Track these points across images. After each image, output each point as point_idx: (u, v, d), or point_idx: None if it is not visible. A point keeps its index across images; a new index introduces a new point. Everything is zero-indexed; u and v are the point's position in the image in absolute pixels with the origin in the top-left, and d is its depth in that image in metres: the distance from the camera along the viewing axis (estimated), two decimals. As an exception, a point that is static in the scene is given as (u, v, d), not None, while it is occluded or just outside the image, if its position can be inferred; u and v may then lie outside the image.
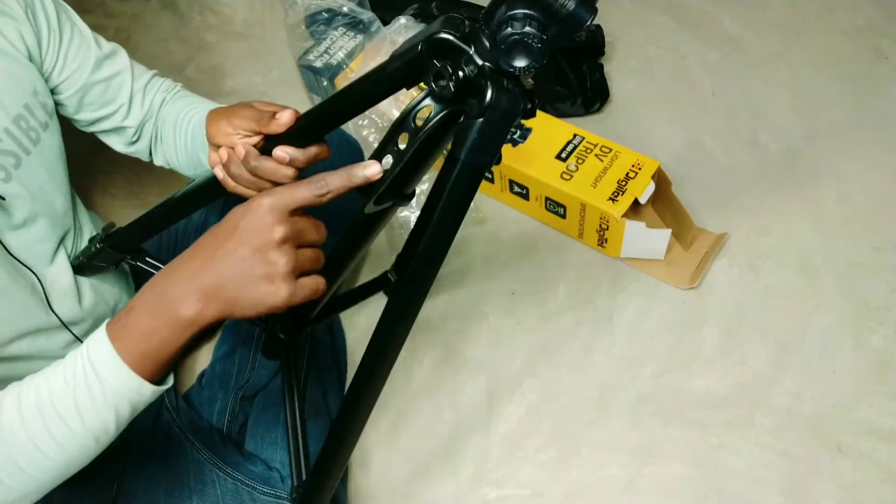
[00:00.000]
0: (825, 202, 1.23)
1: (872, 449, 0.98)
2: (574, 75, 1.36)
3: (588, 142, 1.19)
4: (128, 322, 0.52)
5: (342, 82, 1.31)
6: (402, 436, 1.04)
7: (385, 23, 1.35)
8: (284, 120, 0.66)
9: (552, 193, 1.16)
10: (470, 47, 0.46)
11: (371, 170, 0.52)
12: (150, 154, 0.89)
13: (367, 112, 1.26)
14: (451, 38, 0.46)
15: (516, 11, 0.42)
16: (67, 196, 0.82)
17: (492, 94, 0.46)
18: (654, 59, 1.47)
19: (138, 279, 0.98)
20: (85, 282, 0.84)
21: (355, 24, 1.38)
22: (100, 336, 0.53)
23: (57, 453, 0.54)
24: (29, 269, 0.75)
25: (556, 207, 1.18)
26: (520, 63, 0.44)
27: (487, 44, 0.46)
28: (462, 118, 0.49)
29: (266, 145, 0.68)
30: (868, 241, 1.17)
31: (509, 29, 0.43)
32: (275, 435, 0.91)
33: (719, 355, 1.07)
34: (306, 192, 0.50)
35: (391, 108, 1.25)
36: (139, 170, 1.23)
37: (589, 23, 0.42)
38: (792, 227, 1.20)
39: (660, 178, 1.15)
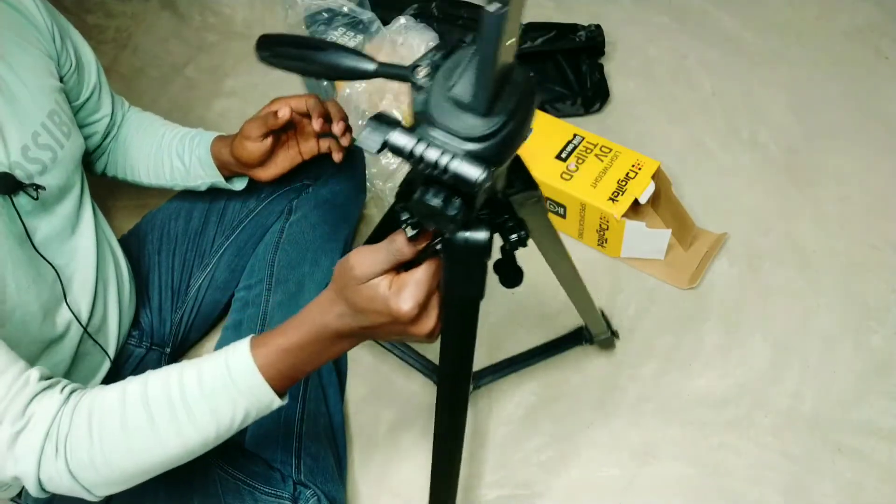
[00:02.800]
0: (825, 202, 1.23)
1: (872, 449, 0.98)
2: (574, 75, 1.36)
3: (588, 142, 1.19)
4: (272, 338, 0.59)
5: (342, 82, 1.31)
6: (403, 436, 1.04)
7: (385, 23, 1.35)
8: (282, 115, 0.80)
9: (552, 193, 1.16)
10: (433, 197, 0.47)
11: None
12: (94, 162, 0.96)
13: (365, 112, 1.26)
14: (404, 213, 0.51)
15: (425, 193, 0.45)
16: (86, 188, 0.86)
17: (444, 248, 0.52)
18: (654, 59, 1.47)
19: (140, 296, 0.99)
20: (99, 280, 0.85)
21: (355, 24, 1.38)
22: (241, 345, 0.60)
23: (171, 442, 0.60)
24: (49, 262, 0.76)
25: (556, 207, 1.18)
26: (446, 227, 0.47)
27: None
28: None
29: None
30: (868, 241, 1.17)
31: (426, 209, 0.46)
32: (275, 435, 0.91)
33: (719, 355, 1.07)
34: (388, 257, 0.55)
35: (391, 108, 1.25)
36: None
37: (477, 181, 0.42)
38: (792, 227, 1.20)
39: (660, 178, 1.15)
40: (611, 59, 1.46)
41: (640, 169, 1.14)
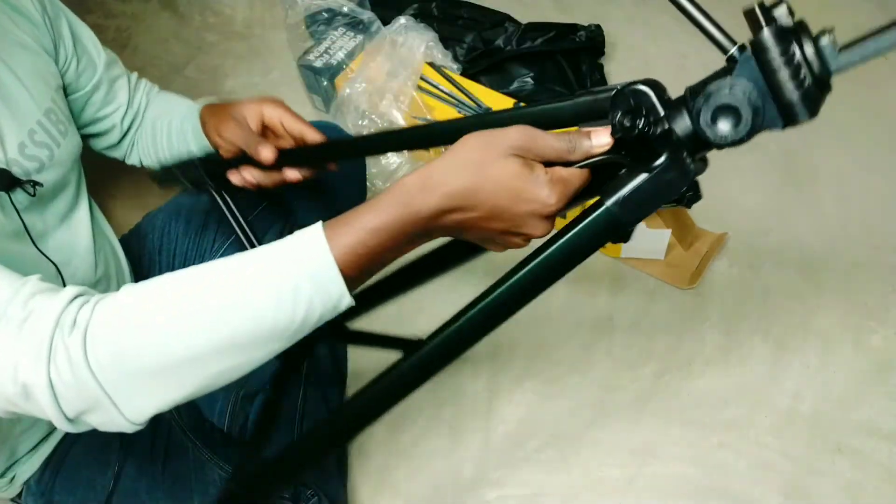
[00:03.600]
0: (825, 202, 1.23)
1: (872, 449, 0.98)
2: (574, 75, 1.36)
3: (588, 142, 1.19)
4: (350, 217, 0.49)
5: (342, 82, 1.31)
6: (403, 436, 1.04)
7: (385, 23, 1.35)
8: (264, 157, 0.71)
9: (552, 193, 1.16)
10: (664, 110, 0.47)
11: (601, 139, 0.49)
12: (126, 154, 0.92)
13: (366, 112, 1.26)
14: (650, 93, 0.47)
15: (741, 80, 0.44)
16: (84, 185, 0.84)
17: (666, 158, 0.46)
18: (654, 59, 1.47)
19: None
20: (99, 277, 0.85)
21: (355, 24, 1.38)
22: (312, 227, 0.49)
23: (219, 325, 0.48)
24: (48, 258, 0.76)
25: (556, 207, 1.18)
26: (723, 128, 0.46)
27: (686, 115, 0.47)
28: (623, 171, 0.48)
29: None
30: (868, 241, 1.17)
31: (727, 91, 0.45)
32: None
33: (719, 355, 1.07)
34: (559, 145, 0.48)
35: (391, 108, 1.25)
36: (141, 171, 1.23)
37: (800, 121, 0.43)
38: (792, 227, 1.20)
39: (660, 178, 1.15)
40: (611, 59, 1.46)
41: (640, 169, 1.13)
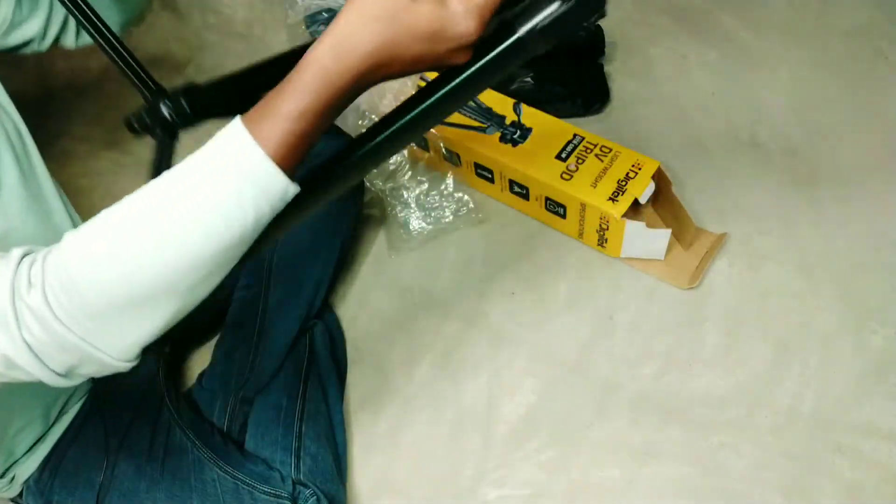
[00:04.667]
0: (825, 202, 1.23)
1: (872, 449, 0.98)
2: (574, 75, 1.36)
3: (588, 142, 1.19)
4: (270, 108, 0.46)
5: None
6: (403, 436, 1.04)
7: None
8: None
9: (552, 193, 1.16)
10: None
11: None
12: (61, 41, 0.86)
13: (366, 112, 1.26)
14: None
15: None
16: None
17: None
18: (655, 60, 1.47)
19: None
20: None
21: (355, 24, 1.38)
22: (235, 130, 0.46)
23: (171, 242, 0.46)
24: None
25: (556, 207, 1.18)
26: None
27: None
28: None
29: None
30: (868, 241, 1.17)
31: None
32: (275, 435, 0.91)
33: (719, 355, 1.07)
34: None
35: (391, 108, 1.25)
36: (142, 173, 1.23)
37: None
38: (792, 227, 1.20)
39: (660, 178, 1.15)
40: (611, 59, 1.46)
41: (640, 169, 1.13)
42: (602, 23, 1.43)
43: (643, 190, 1.11)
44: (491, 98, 1.27)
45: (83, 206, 1.33)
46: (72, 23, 0.83)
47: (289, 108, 0.46)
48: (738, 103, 1.38)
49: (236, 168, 0.46)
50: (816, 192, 1.24)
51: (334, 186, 0.55)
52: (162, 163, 0.72)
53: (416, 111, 0.53)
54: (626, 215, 1.10)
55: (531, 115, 1.25)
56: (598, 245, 1.18)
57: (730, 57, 1.46)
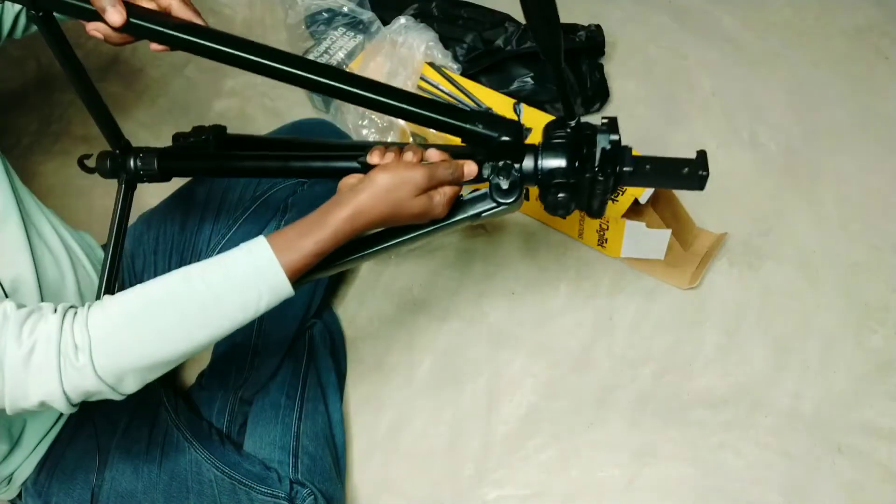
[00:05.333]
0: (825, 202, 1.23)
1: (872, 449, 0.98)
2: (574, 75, 1.36)
3: (588, 142, 1.19)
4: (295, 243, 0.64)
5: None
6: (403, 436, 1.04)
7: (385, 23, 1.35)
8: (112, 19, 0.67)
9: (552, 193, 1.16)
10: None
11: (470, 168, 0.71)
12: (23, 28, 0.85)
13: (366, 112, 1.26)
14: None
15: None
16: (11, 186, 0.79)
17: (515, 199, 0.74)
18: (654, 59, 1.47)
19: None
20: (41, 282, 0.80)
21: (355, 24, 1.38)
22: (262, 247, 0.64)
23: (199, 331, 0.63)
24: None
25: (555, 207, 1.18)
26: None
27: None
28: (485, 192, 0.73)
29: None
30: (868, 241, 1.17)
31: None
32: (273, 435, 0.91)
33: (719, 355, 1.07)
34: (446, 174, 0.69)
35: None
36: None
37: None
38: (792, 227, 1.20)
39: (660, 178, 1.15)
40: (611, 59, 1.46)
41: (639, 169, 1.13)
42: (602, 23, 1.43)
43: (643, 190, 1.11)
44: (491, 98, 1.27)
45: (81, 206, 1.33)
46: (21, 20, 0.83)
47: (309, 249, 0.64)
48: (738, 103, 1.38)
49: (264, 282, 0.63)
50: (816, 192, 1.24)
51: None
52: (123, 211, 0.86)
53: (393, 242, 0.73)
54: (626, 215, 1.10)
55: (531, 115, 1.25)
56: (598, 245, 1.18)
57: (730, 57, 1.46)
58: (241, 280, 0.63)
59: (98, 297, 0.77)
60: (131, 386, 0.63)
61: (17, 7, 0.82)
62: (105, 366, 0.60)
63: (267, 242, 0.64)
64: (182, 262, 1.01)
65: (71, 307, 0.62)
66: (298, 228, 0.65)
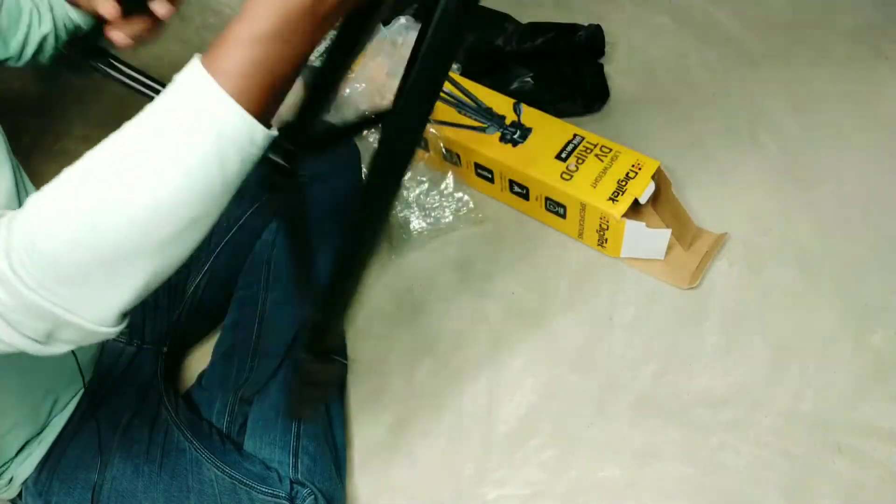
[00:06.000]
0: (825, 202, 1.23)
1: (872, 449, 0.98)
2: (574, 75, 1.36)
3: (588, 142, 1.19)
4: (227, 32, 0.42)
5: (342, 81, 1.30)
6: (403, 436, 1.04)
7: (385, 23, 1.35)
8: (104, 11, 0.65)
9: (552, 193, 1.16)
10: None
11: None
12: (39, 55, 0.81)
13: (367, 112, 1.26)
14: None
15: None
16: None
17: None
18: (655, 59, 1.47)
19: None
20: None
21: (355, 25, 1.38)
22: (192, 63, 0.43)
23: (131, 195, 0.43)
24: None
25: (556, 207, 1.18)
26: None
27: None
28: None
29: None
30: (868, 241, 1.17)
31: None
32: (274, 434, 0.91)
33: (719, 355, 1.07)
34: None
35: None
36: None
37: None
38: (792, 227, 1.20)
39: (660, 178, 1.15)
40: (611, 59, 1.46)
41: (640, 169, 1.13)
42: (602, 23, 1.43)
43: (643, 190, 1.11)
44: (491, 98, 1.27)
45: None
46: (48, 44, 0.80)
47: (241, 33, 0.42)
48: (738, 103, 1.38)
49: (189, 105, 0.42)
50: (816, 192, 1.24)
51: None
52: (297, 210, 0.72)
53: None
54: (626, 215, 1.10)
55: (531, 115, 1.25)
56: (598, 245, 1.18)
57: (730, 57, 1.46)
58: (161, 109, 0.43)
59: None
60: (95, 303, 0.46)
61: (45, 29, 0.78)
62: (29, 268, 0.43)
63: (197, 55, 0.44)
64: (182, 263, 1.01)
65: None
66: (246, 24, 0.43)
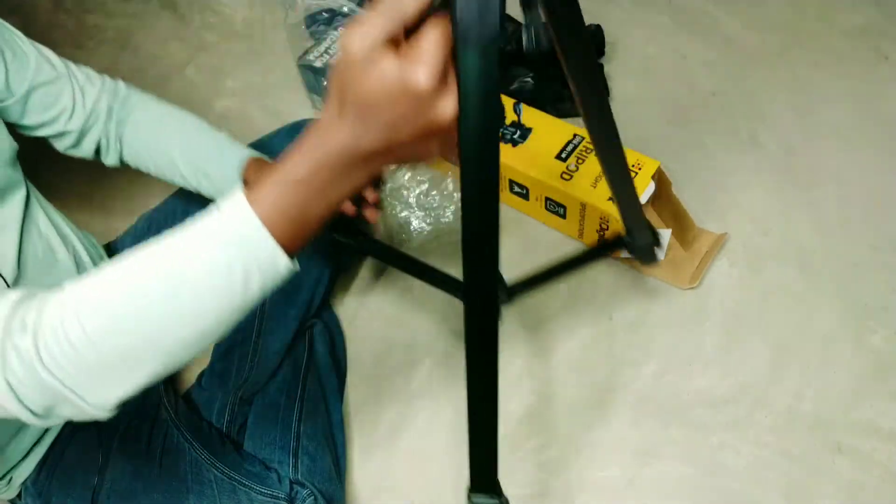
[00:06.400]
0: (825, 202, 1.23)
1: (872, 449, 0.98)
2: (574, 75, 1.36)
3: (588, 142, 1.19)
4: (267, 174, 0.46)
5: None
6: (403, 436, 1.04)
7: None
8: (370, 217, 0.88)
9: (552, 193, 1.16)
10: None
11: None
12: (98, 155, 0.90)
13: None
14: None
15: None
16: (21, 185, 0.81)
17: None
18: (654, 60, 1.47)
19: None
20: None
21: (355, 24, 1.38)
22: (235, 196, 0.47)
23: (159, 307, 0.47)
24: None
25: (556, 207, 1.18)
26: None
27: None
28: None
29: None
30: (868, 241, 1.17)
31: None
32: (273, 435, 0.91)
33: (719, 355, 1.07)
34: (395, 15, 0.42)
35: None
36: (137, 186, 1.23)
37: None
38: (792, 227, 1.20)
39: (660, 178, 1.15)
40: (611, 59, 1.46)
41: (640, 169, 1.13)
42: (602, 23, 1.43)
43: (643, 190, 1.11)
44: (491, 98, 1.27)
45: (83, 206, 1.33)
46: (108, 148, 0.90)
47: (278, 176, 0.46)
48: (738, 103, 1.38)
49: (229, 231, 0.47)
50: (816, 192, 1.24)
51: None
52: None
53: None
54: (625, 215, 1.10)
55: (531, 115, 1.25)
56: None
57: (730, 57, 1.46)
58: (200, 228, 0.47)
59: None
60: (101, 391, 0.49)
61: (101, 131, 0.87)
62: (54, 353, 0.47)
63: (242, 192, 0.47)
64: None
65: (30, 295, 0.51)
66: (287, 170, 0.47)
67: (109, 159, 0.91)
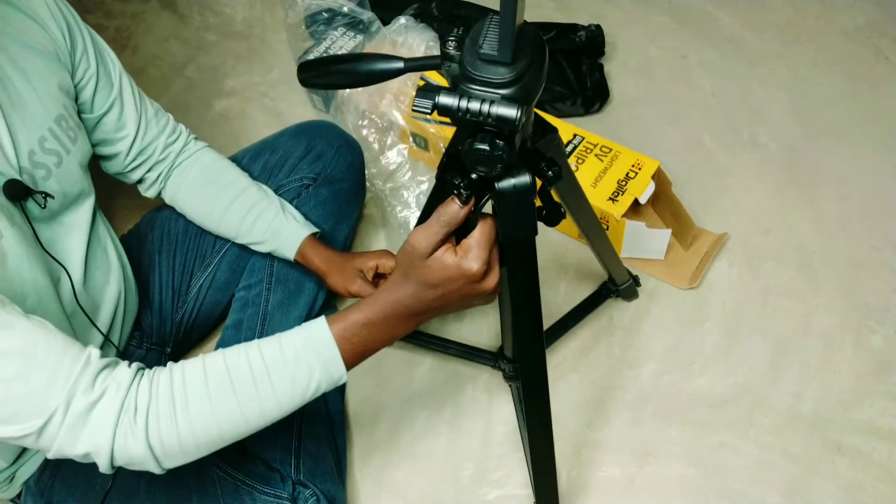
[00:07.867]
0: (825, 202, 1.23)
1: (872, 449, 0.98)
2: (574, 75, 1.36)
3: (588, 142, 1.19)
4: (348, 314, 0.63)
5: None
6: (403, 436, 1.04)
7: (385, 23, 1.35)
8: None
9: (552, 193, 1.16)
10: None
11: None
12: (139, 184, 0.95)
13: (367, 112, 1.26)
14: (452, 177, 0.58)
15: (472, 142, 0.53)
16: (91, 191, 0.85)
17: (496, 198, 0.59)
18: (654, 59, 1.47)
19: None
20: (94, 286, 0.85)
21: (355, 24, 1.38)
22: (318, 321, 0.63)
23: (252, 410, 0.62)
24: (61, 264, 0.76)
25: (556, 207, 1.18)
26: (495, 167, 0.54)
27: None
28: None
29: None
30: (868, 241, 1.17)
31: (475, 152, 0.53)
32: (275, 435, 0.91)
33: (719, 355, 1.07)
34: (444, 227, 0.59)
35: (391, 108, 1.25)
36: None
37: (516, 118, 0.49)
38: (792, 227, 1.20)
39: (660, 178, 1.15)
40: (611, 59, 1.46)
41: (640, 169, 1.13)
42: (602, 23, 1.43)
43: (643, 190, 1.11)
44: (491, 98, 1.27)
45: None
46: (152, 182, 0.95)
47: (358, 317, 0.63)
48: (738, 103, 1.38)
49: (315, 355, 0.62)
50: (816, 192, 1.24)
51: None
52: None
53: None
54: (626, 215, 1.10)
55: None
56: (598, 245, 1.18)
57: (730, 57, 1.46)
58: (293, 352, 0.62)
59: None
60: (176, 460, 0.63)
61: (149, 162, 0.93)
62: (158, 437, 0.60)
63: (325, 320, 0.63)
64: (186, 264, 1.01)
65: (143, 368, 0.63)
66: (361, 313, 0.63)
67: (149, 192, 0.96)
